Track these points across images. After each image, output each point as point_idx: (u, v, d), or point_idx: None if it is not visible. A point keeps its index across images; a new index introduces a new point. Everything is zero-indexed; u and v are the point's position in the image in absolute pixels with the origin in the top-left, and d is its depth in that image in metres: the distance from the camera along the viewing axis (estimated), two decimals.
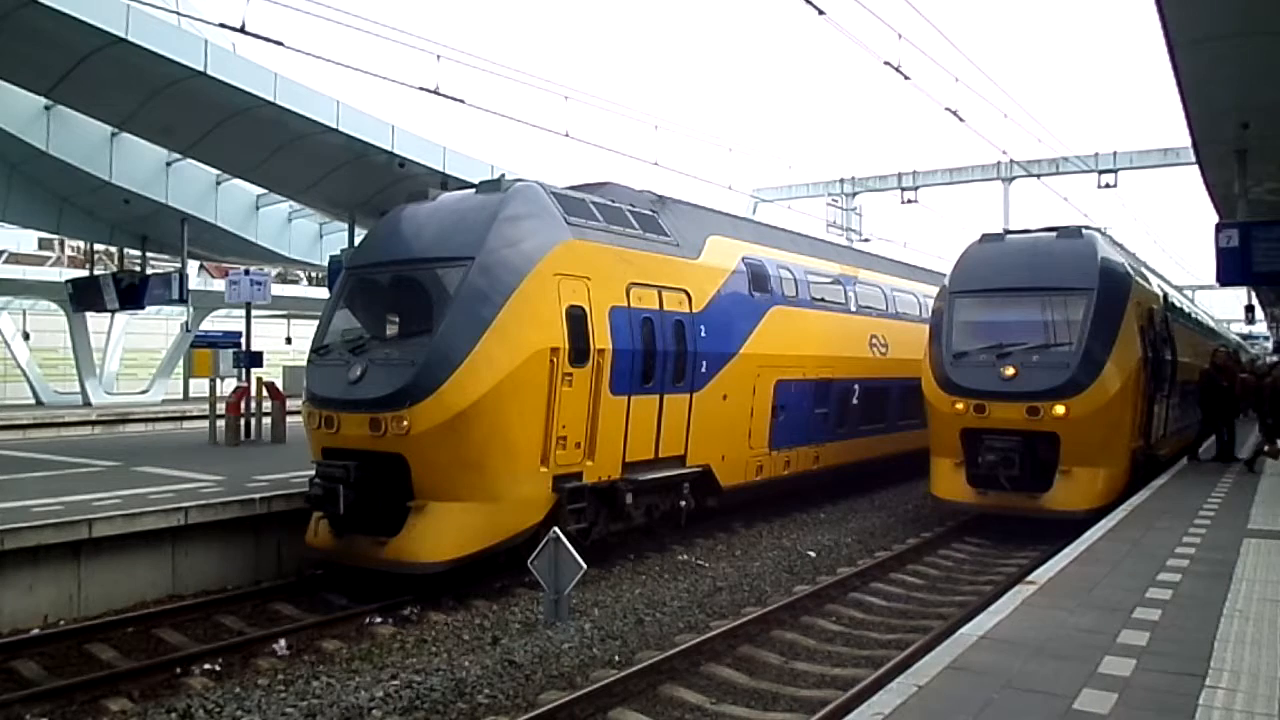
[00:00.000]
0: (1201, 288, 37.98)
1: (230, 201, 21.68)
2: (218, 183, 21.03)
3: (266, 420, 18.44)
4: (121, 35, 11.99)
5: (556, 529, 9.21)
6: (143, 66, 12.78)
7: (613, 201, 12.22)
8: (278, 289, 22.94)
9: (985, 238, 15.04)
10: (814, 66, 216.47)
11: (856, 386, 16.43)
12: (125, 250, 24.77)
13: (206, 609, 9.69)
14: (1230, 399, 16.67)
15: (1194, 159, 14.51)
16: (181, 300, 22.42)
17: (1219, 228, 12.96)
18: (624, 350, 11.05)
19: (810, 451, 15.35)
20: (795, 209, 31.01)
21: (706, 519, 13.33)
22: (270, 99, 13.77)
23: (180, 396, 36.56)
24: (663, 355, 11.70)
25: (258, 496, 11.05)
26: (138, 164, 19.15)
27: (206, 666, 8.03)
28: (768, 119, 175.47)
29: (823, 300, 15.97)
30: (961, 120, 15.37)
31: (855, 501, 16.66)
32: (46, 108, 17.15)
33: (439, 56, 12.19)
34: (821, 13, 10.79)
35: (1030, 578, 8.05)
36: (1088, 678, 5.42)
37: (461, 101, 12.73)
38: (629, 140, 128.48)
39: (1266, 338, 52.26)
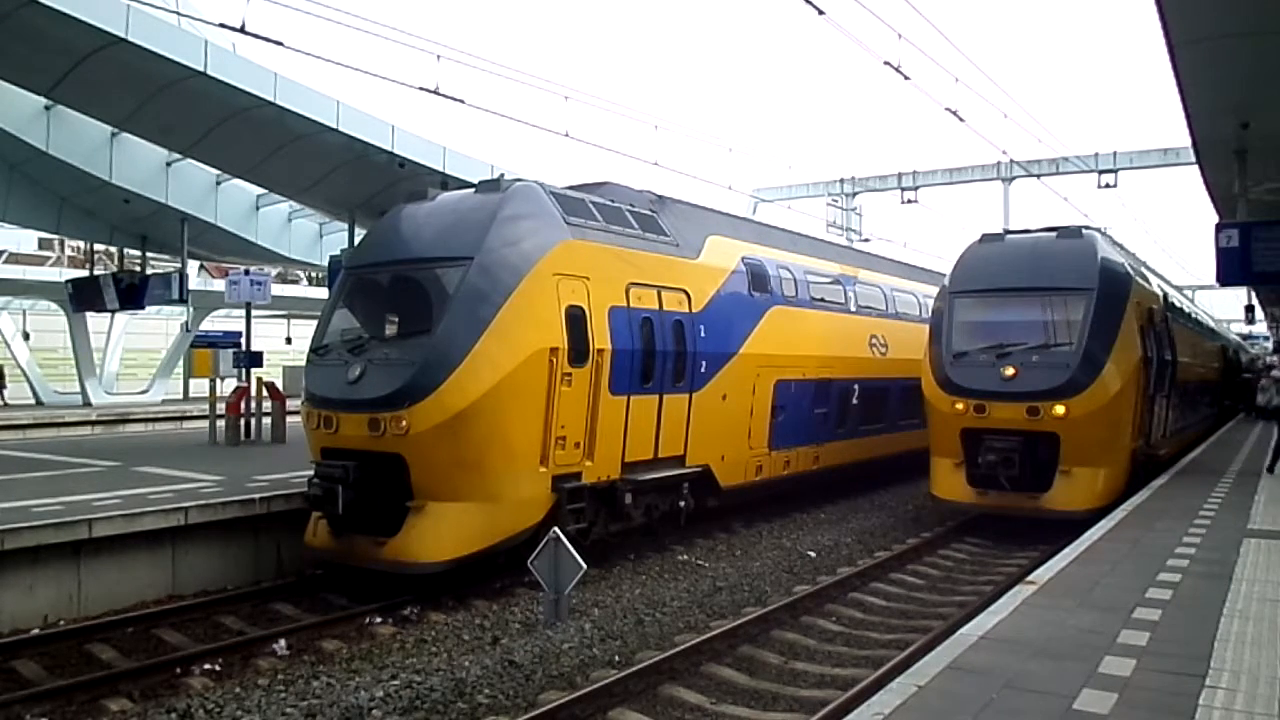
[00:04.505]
0: (1201, 288, 37.99)
1: (230, 201, 21.69)
2: (218, 183, 21.04)
3: (266, 420, 18.44)
4: (121, 35, 11.99)
5: (557, 529, 9.21)
6: (143, 66, 12.78)
7: (612, 201, 12.22)
8: (278, 289, 22.96)
9: (985, 238, 15.03)
10: (814, 66, 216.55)
11: (856, 386, 16.42)
12: (125, 250, 24.79)
13: (206, 609, 9.68)
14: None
15: (1194, 159, 14.51)
16: (181, 300, 22.45)
17: (1219, 228, 12.95)
18: (623, 350, 11.05)
19: (810, 451, 15.34)
20: (795, 209, 31.03)
21: (706, 519, 13.33)
22: (270, 99, 13.78)
23: (180, 396, 36.58)
24: (662, 355, 11.69)
25: (258, 496, 11.05)
26: (138, 164, 19.17)
27: (206, 666, 8.04)
28: (768, 119, 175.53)
29: (822, 300, 15.97)
30: (961, 120, 15.37)
31: (855, 501, 16.65)
32: (46, 108, 17.17)
33: (439, 56, 12.20)
34: (821, 13, 10.79)
35: (1030, 578, 8.06)
36: (1088, 678, 5.42)
37: (461, 101, 12.74)
38: (629, 140, 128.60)
39: (1266, 338, 52.23)
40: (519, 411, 9.92)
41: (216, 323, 36.88)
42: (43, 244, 45.66)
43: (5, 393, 34.46)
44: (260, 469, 13.42)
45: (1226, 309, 36.39)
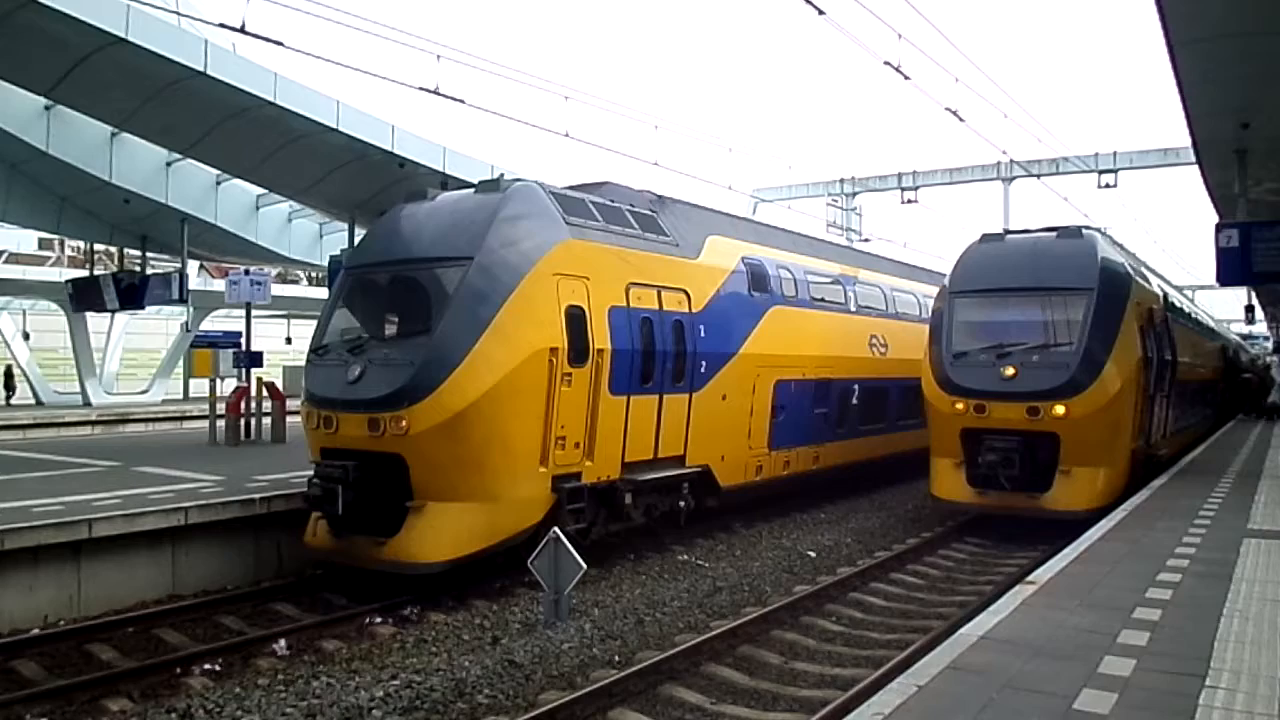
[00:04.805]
0: (1201, 288, 37.99)
1: (230, 201, 21.71)
2: (218, 183, 21.06)
3: (266, 420, 18.45)
4: (121, 35, 12.00)
5: (557, 529, 9.20)
6: (143, 66, 12.79)
7: (612, 201, 12.21)
8: (278, 289, 22.95)
9: (985, 238, 15.03)
10: (814, 66, 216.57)
11: (856, 386, 16.42)
12: (125, 250, 24.80)
13: (206, 609, 9.68)
14: None
15: (1194, 159, 14.52)
16: (181, 300, 22.47)
17: (1219, 228, 12.97)
18: (623, 350, 11.05)
19: (810, 451, 15.34)
20: (795, 209, 31.03)
21: (706, 519, 13.32)
22: (270, 99, 13.79)
23: (180, 396, 36.59)
24: (662, 355, 11.69)
25: (258, 496, 11.05)
26: (138, 164, 19.18)
27: (206, 666, 8.03)
28: (768, 119, 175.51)
29: (822, 300, 15.97)
30: (961, 120, 15.37)
31: (855, 501, 16.65)
32: (46, 108, 17.17)
33: (439, 56, 12.21)
34: (821, 13, 10.79)
35: (1030, 578, 8.05)
36: (1088, 678, 5.42)
37: (461, 101, 12.74)
38: (629, 140, 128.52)
39: (1266, 338, 52.26)
40: (519, 411, 9.92)
41: (216, 323, 36.85)
42: (43, 244, 45.73)
43: (15, 394, 34.68)
44: (260, 469, 13.42)
45: (1226, 309, 36.39)
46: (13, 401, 34.75)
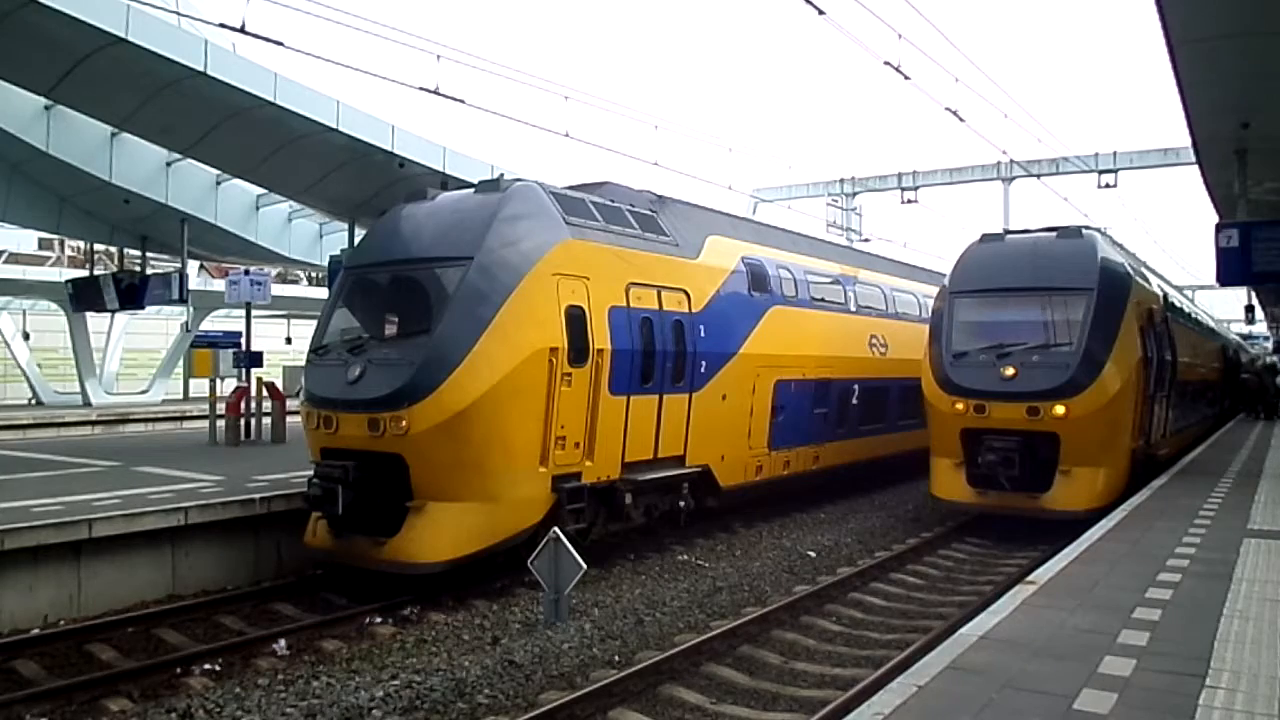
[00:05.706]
0: (1201, 288, 37.98)
1: (230, 201, 21.67)
2: (218, 183, 21.03)
3: (266, 420, 18.45)
4: (121, 35, 12.00)
5: (557, 529, 9.20)
6: (143, 66, 12.79)
7: (612, 201, 12.21)
8: (278, 289, 22.93)
9: (985, 238, 15.03)
10: (814, 66, 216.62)
11: (856, 386, 16.42)
12: (125, 250, 24.77)
13: (206, 609, 9.68)
14: None
15: (1194, 159, 14.52)
16: (181, 300, 22.42)
17: (1219, 228, 12.97)
18: (623, 350, 11.04)
19: (810, 451, 15.34)
20: (795, 209, 31.04)
21: (706, 519, 13.33)
22: (270, 99, 13.78)
23: (180, 396, 36.57)
24: (662, 355, 11.69)
25: (258, 496, 11.05)
26: (138, 164, 19.15)
27: (206, 666, 8.03)
28: (768, 119, 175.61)
29: (822, 300, 15.96)
30: (961, 120, 15.37)
31: (855, 501, 16.65)
32: (46, 108, 17.15)
33: (439, 56, 12.21)
34: (821, 13, 10.80)
35: (1030, 578, 8.05)
36: (1088, 678, 5.41)
37: (461, 101, 12.74)
38: (629, 140, 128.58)
39: (1266, 338, 52.25)
40: (519, 411, 9.92)
41: (216, 323, 36.83)
42: (43, 244, 45.67)
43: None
44: (260, 469, 13.42)
45: (1226, 309, 36.39)
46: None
